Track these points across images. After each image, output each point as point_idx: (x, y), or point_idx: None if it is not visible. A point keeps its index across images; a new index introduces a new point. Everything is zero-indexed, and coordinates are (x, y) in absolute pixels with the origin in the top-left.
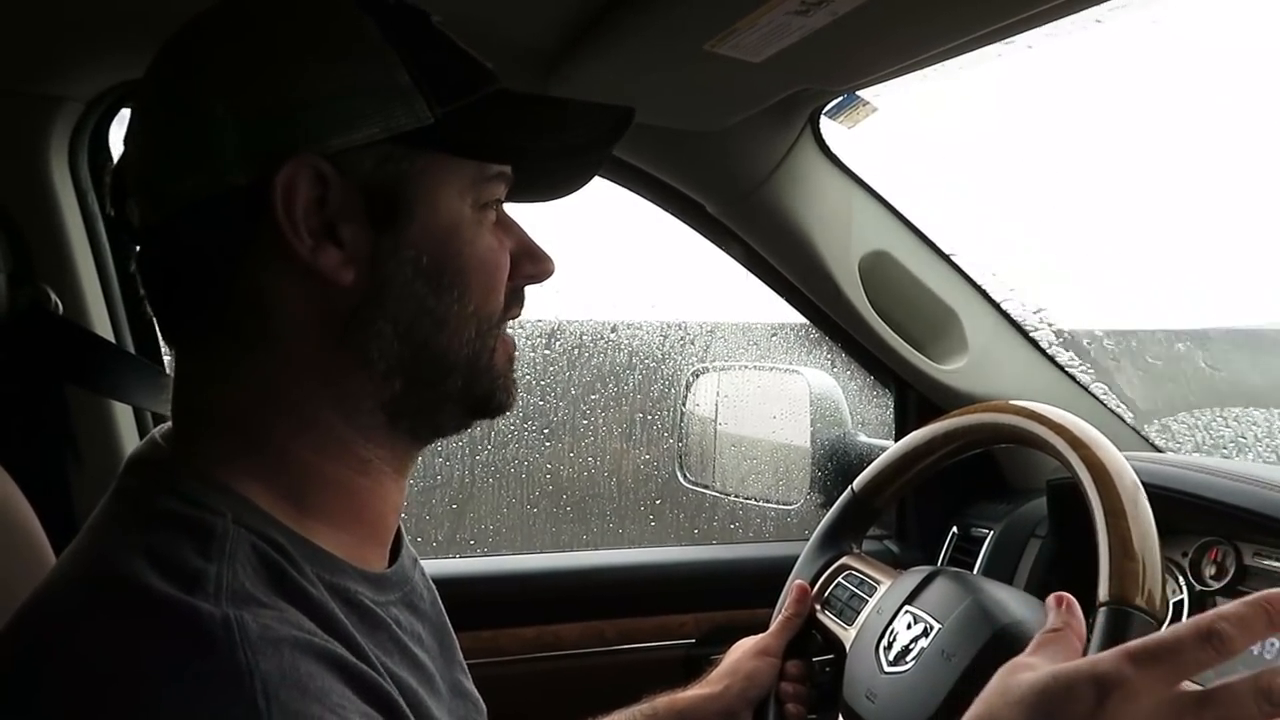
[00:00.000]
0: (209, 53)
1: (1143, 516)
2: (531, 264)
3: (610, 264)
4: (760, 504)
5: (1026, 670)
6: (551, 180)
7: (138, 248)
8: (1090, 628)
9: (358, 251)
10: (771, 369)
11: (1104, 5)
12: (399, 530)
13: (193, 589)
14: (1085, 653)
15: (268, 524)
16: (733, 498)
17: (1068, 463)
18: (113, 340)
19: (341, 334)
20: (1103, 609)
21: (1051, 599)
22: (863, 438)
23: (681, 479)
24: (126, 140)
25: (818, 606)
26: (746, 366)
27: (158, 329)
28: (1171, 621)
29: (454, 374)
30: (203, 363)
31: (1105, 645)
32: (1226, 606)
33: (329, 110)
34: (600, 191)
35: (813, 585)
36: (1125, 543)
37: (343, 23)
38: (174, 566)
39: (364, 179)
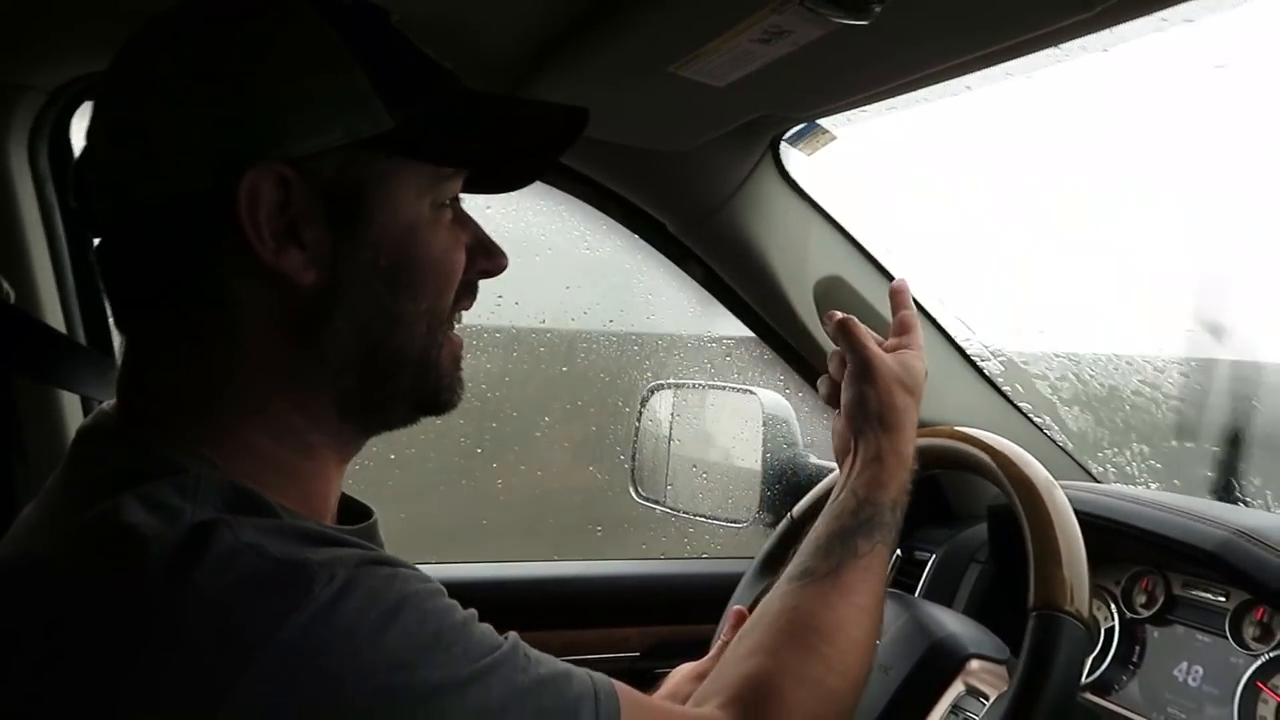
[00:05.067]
0: (171, 58)
1: (1069, 528)
2: (486, 259)
3: (568, 276)
4: (710, 521)
5: (916, 361)
6: (499, 178)
7: (97, 241)
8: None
9: (319, 253)
10: (726, 388)
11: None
12: (367, 508)
13: (175, 522)
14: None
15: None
16: (683, 514)
17: (999, 481)
18: (64, 332)
19: (301, 332)
20: (1033, 614)
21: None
22: (813, 459)
23: (634, 494)
24: (88, 136)
25: None
26: (701, 384)
27: (110, 316)
28: (1104, 647)
29: (404, 371)
30: (156, 352)
31: (1036, 649)
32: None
33: (291, 118)
34: (563, 205)
35: (751, 610)
36: (1053, 552)
37: (303, 30)
38: (157, 504)
39: (326, 183)
